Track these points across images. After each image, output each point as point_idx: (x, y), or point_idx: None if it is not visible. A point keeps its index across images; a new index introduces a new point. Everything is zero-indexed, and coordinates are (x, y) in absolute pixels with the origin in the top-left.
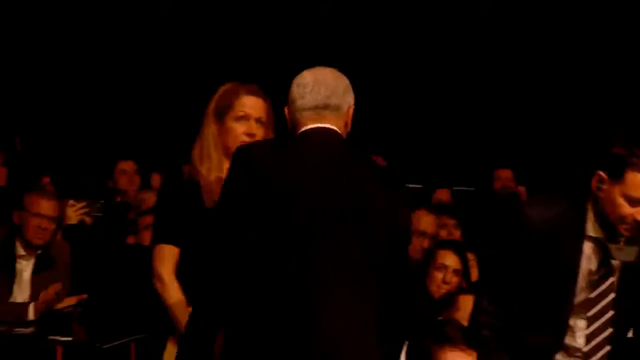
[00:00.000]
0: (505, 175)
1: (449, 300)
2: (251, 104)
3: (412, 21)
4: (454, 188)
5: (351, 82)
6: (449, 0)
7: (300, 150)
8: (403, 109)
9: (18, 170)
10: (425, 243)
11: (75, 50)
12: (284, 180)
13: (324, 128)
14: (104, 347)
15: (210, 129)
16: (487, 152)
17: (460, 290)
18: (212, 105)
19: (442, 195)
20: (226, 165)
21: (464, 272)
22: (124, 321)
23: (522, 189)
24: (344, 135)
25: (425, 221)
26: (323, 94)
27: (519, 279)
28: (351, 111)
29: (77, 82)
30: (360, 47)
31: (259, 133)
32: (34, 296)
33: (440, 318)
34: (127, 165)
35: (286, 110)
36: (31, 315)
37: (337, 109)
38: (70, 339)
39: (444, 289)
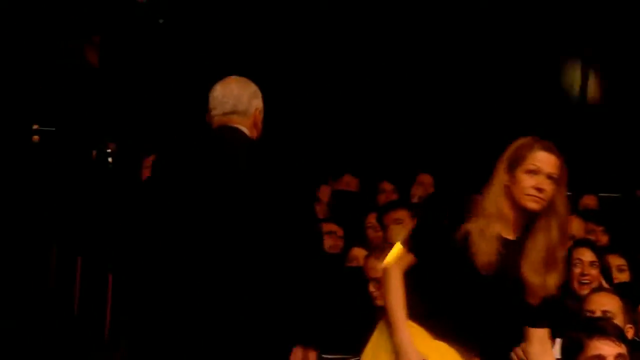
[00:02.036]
0: None
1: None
2: (543, 159)
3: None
4: (600, 194)
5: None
6: None
7: (203, 146)
8: (549, 118)
9: None
10: None
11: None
12: (184, 173)
13: (228, 127)
14: None
15: (500, 178)
16: (633, 159)
17: (600, 288)
18: (506, 155)
19: (589, 201)
20: (510, 217)
21: (603, 270)
22: None
23: None
24: (254, 131)
25: (573, 226)
26: (230, 103)
27: None
28: (258, 112)
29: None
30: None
31: (549, 189)
32: None
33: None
34: None
35: (207, 117)
36: None
37: (244, 113)
38: None
39: (585, 283)
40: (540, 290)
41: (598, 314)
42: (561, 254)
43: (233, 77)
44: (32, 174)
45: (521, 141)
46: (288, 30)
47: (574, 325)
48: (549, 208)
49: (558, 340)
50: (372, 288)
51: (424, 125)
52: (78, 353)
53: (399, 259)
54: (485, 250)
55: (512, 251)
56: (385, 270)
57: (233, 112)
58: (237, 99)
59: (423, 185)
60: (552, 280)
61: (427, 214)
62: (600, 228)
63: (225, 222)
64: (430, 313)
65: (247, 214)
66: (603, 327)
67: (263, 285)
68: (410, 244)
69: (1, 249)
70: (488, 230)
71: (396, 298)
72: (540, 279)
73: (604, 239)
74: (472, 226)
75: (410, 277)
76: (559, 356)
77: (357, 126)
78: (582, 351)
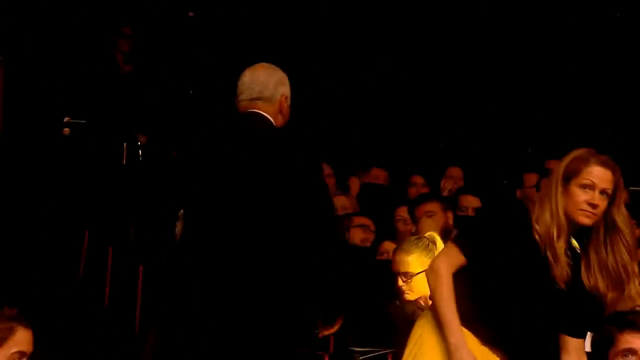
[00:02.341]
0: None
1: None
2: (599, 174)
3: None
4: (631, 188)
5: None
6: None
7: (226, 132)
8: (581, 110)
9: None
10: None
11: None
12: (205, 154)
13: (253, 112)
14: None
15: (555, 190)
16: None
17: None
18: (561, 167)
19: None
20: (563, 228)
21: None
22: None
23: None
24: (279, 117)
25: None
26: (256, 90)
27: None
28: (283, 99)
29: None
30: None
31: (602, 204)
32: None
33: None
34: None
35: (235, 101)
36: None
37: (269, 99)
38: None
39: None
40: (620, 302)
41: None
42: (634, 267)
43: (262, 64)
44: (63, 166)
45: (577, 153)
46: (317, 24)
47: (604, 318)
48: (611, 226)
49: (589, 334)
50: (400, 282)
51: (452, 117)
52: (108, 345)
53: (450, 259)
54: (561, 265)
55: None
56: (435, 270)
57: (258, 99)
58: (263, 85)
59: (453, 179)
60: (635, 290)
61: (487, 220)
62: (632, 222)
63: (243, 205)
64: (478, 316)
65: (263, 198)
66: (634, 321)
67: (281, 269)
68: (466, 248)
69: (33, 240)
70: (558, 245)
71: (448, 299)
72: (617, 294)
73: (637, 233)
74: (542, 240)
75: (458, 278)
76: (589, 350)
77: (386, 119)
78: (612, 345)
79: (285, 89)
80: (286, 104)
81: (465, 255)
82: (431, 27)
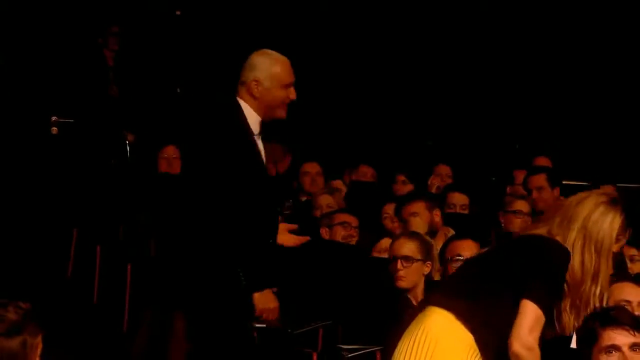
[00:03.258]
0: None
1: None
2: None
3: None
4: (618, 185)
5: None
6: None
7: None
8: (569, 107)
9: None
10: None
11: None
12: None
13: (229, 99)
14: (295, 332)
15: (607, 255)
16: None
17: (625, 277)
18: (613, 232)
19: (607, 191)
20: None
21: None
22: (313, 309)
23: None
24: (254, 102)
25: None
26: (242, 74)
27: None
28: (253, 83)
29: None
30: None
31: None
32: None
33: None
34: (310, 167)
35: None
36: None
37: (243, 83)
38: (264, 325)
39: None
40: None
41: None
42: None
43: (262, 50)
44: (52, 165)
45: (620, 219)
46: (305, 24)
47: (591, 314)
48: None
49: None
50: (399, 266)
51: (440, 115)
52: (97, 342)
53: (538, 324)
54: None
55: None
56: (531, 348)
57: (241, 83)
58: (244, 69)
59: (441, 176)
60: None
61: (554, 273)
62: None
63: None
64: None
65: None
66: (617, 317)
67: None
68: (546, 305)
69: (21, 238)
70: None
71: None
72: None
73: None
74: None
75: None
76: (575, 347)
77: (374, 117)
78: (596, 341)
79: (256, 74)
80: (257, 88)
81: (545, 312)
82: (418, 26)
